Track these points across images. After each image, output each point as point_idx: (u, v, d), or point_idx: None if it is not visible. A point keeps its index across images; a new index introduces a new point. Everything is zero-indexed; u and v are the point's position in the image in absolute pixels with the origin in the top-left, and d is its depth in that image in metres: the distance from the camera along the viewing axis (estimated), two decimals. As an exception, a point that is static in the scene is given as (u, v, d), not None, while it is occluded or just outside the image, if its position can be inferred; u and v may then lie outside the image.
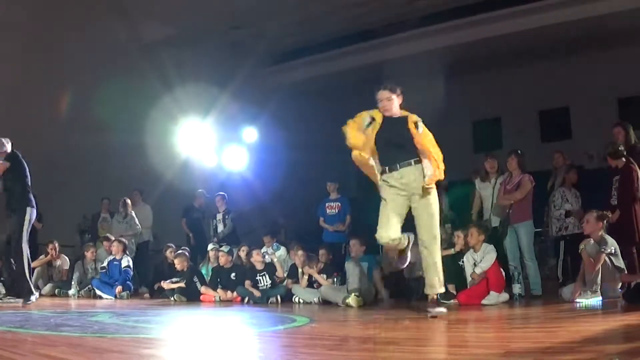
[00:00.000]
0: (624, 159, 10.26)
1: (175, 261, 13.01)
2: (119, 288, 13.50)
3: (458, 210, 12.76)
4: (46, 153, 14.86)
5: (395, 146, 7.48)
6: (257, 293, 11.69)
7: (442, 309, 7.40)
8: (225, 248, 13.39)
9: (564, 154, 12.73)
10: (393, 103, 7.53)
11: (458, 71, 19.63)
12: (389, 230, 7.43)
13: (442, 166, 7.40)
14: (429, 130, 7.50)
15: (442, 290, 7.77)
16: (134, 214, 15.59)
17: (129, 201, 15.62)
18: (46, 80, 15.32)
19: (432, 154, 7.34)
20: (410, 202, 7.52)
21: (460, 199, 12.75)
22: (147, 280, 15.26)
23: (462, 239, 10.30)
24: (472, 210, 11.69)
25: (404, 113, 7.59)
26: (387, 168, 7.54)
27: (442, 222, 9.86)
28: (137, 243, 15.68)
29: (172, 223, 16.58)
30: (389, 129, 7.52)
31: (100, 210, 16.65)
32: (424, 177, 7.33)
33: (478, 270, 9.67)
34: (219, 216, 15.37)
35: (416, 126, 7.37)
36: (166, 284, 12.83)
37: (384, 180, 7.55)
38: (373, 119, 7.53)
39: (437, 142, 7.45)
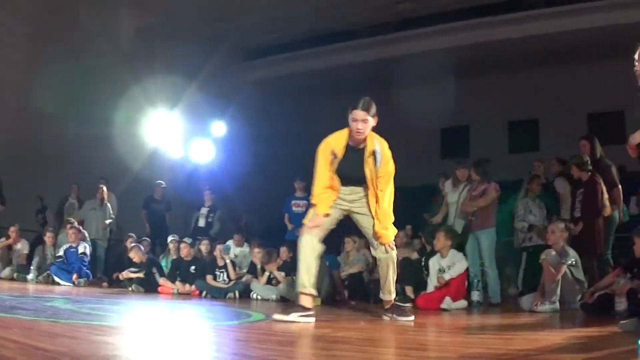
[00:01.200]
0: (589, 173, 10.35)
1: (130, 254, 12.94)
2: (75, 275, 13.41)
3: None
4: (12, 140, 14.78)
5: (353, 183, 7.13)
6: (217, 285, 11.65)
7: (410, 317, 7.28)
8: (187, 240, 13.29)
9: (543, 162, 12.86)
10: (367, 126, 6.87)
11: (429, 78, 19.65)
12: None
13: (388, 227, 7.08)
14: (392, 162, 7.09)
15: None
16: (108, 203, 15.53)
17: (105, 188, 15.51)
18: (12, 68, 15.17)
19: (377, 214, 7.02)
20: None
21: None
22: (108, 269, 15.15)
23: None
24: (437, 215, 11.70)
25: (372, 141, 6.97)
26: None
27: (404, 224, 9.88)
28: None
29: (138, 213, 16.48)
30: (349, 166, 7.01)
31: (68, 194, 16.50)
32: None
33: (447, 277, 9.64)
34: (203, 210, 15.28)
35: (374, 159, 6.91)
36: (125, 274, 12.74)
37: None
38: (335, 156, 6.97)
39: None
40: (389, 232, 7.09)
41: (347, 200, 7.13)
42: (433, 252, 10.27)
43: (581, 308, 8.39)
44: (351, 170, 6.96)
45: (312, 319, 6.67)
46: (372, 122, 6.90)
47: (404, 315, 7.25)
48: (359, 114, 6.80)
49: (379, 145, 6.92)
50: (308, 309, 6.79)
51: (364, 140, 6.93)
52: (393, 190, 7.11)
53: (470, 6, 17.97)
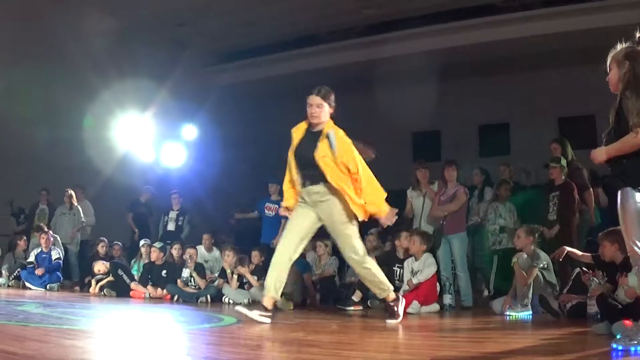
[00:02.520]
0: (563, 177, 10.45)
1: (95, 269, 13.00)
2: (39, 270, 13.47)
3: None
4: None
5: (310, 167, 7.26)
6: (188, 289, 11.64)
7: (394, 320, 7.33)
8: (157, 244, 13.23)
9: (509, 167, 12.94)
10: (323, 111, 7.25)
11: (400, 83, 19.68)
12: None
13: (361, 201, 7.20)
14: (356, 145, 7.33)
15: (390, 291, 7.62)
16: (79, 207, 15.41)
17: (72, 192, 15.39)
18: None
19: (344, 191, 7.14)
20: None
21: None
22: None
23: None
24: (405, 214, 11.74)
25: (328, 127, 7.28)
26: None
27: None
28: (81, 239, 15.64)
29: (110, 217, 16.40)
30: (305, 146, 7.30)
31: (38, 200, 16.36)
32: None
33: (415, 280, 9.66)
34: (172, 214, 15.21)
35: (329, 143, 7.15)
36: (92, 288, 12.69)
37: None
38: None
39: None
40: (382, 207, 7.32)
41: (308, 201, 7.30)
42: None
43: (550, 313, 8.41)
44: (306, 149, 7.22)
45: (269, 320, 6.86)
46: (327, 108, 7.29)
47: (392, 317, 7.38)
48: (314, 99, 7.25)
49: (332, 131, 7.20)
50: (268, 311, 6.98)
51: (321, 125, 7.26)
52: (370, 173, 7.34)
53: (438, 11, 18.01)
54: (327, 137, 7.11)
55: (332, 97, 7.34)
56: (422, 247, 9.92)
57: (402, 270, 10.15)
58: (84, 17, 16.43)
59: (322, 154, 7.06)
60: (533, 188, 13.19)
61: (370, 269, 7.44)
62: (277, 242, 7.51)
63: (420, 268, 9.77)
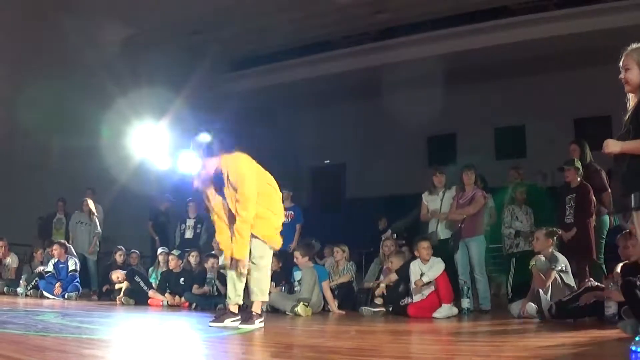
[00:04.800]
0: (579, 179, 10.41)
1: (112, 277, 13.05)
2: (58, 284, 13.49)
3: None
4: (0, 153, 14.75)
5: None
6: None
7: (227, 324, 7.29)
8: (175, 252, 13.26)
9: (518, 170, 12.87)
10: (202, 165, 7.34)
11: (414, 87, 19.65)
12: None
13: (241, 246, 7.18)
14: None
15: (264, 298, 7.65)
16: (97, 219, 15.48)
17: (90, 201, 15.47)
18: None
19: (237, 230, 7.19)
20: None
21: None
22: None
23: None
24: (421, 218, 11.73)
25: (222, 164, 7.32)
26: None
27: None
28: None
29: (126, 225, 16.43)
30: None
31: (55, 210, 16.42)
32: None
33: (425, 279, 9.69)
34: (189, 222, 15.18)
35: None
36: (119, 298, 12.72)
37: None
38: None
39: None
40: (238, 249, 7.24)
41: None
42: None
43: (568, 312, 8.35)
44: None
45: (239, 321, 7.20)
46: (214, 162, 7.28)
47: (248, 322, 7.25)
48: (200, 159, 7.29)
49: (230, 166, 7.26)
50: (236, 314, 7.30)
51: (219, 166, 7.28)
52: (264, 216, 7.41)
53: (453, 14, 17.99)
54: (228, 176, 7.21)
55: (205, 144, 7.38)
56: (430, 251, 10.01)
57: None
58: (100, 26, 16.53)
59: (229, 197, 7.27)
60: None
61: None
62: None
63: (428, 269, 9.79)
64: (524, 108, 20.03)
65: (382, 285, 10.64)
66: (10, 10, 15.03)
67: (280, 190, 13.66)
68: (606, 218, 10.88)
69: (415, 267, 9.99)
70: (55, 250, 14.00)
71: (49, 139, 15.44)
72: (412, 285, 9.88)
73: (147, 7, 16.52)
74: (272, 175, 7.74)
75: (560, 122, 19.35)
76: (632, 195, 4.90)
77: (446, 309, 9.45)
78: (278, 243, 7.65)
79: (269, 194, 7.60)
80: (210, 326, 7.07)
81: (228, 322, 7.20)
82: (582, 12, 16.24)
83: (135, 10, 16.60)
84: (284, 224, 13.56)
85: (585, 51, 17.04)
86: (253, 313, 7.28)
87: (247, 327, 7.05)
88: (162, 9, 16.51)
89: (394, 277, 10.43)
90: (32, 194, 16.12)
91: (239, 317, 7.25)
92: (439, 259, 9.96)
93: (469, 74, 19.51)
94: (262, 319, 7.31)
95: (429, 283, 9.70)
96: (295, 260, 11.16)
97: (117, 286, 12.90)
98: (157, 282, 12.84)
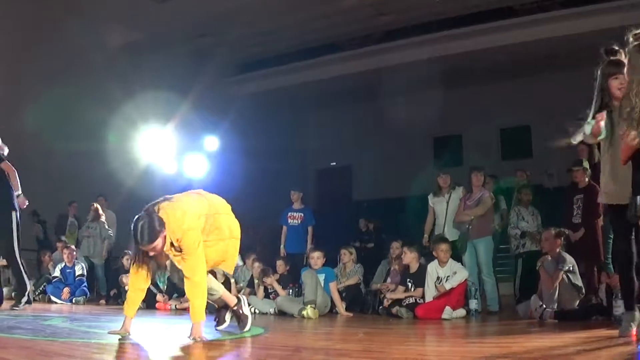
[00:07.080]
0: (587, 179, 10.39)
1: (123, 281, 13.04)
2: (66, 289, 13.53)
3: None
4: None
5: None
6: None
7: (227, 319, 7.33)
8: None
9: (525, 172, 12.86)
10: (157, 248, 6.21)
11: (419, 88, 19.65)
12: None
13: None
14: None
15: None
16: (103, 219, 15.49)
17: (98, 206, 15.48)
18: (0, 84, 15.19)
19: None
20: None
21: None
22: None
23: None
24: (425, 226, 11.68)
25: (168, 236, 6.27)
26: None
27: None
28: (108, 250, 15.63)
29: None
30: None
31: (65, 212, 16.52)
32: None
33: (447, 286, 9.70)
34: None
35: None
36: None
37: None
38: None
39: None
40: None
41: None
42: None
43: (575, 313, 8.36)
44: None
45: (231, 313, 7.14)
46: (160, 242, 6.16)
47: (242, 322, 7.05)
48: (146, 247, 6.18)
49: (173, 230, 6.35)
50: (227, 308, 7.18)
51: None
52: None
53: (458, 15, 17.98)
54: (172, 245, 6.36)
55: (155, 231, 6.21)
56: (448, 253, 9.98)
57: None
58: (106, 30, 16.57)
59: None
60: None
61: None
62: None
63: (448, 274, 9.76)
64: (529, 108, 20.01)
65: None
66: (18, 15, 15.07)
67: (291, 191, 13.69)
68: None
69: (432, 269, 9.97)
70: (65, 252, 14.06)
71: (55, 143, 15.45)
72: (426, 286, 9.87)
73: (153, 10, 16.58)
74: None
75: (565, 122, 19.30)
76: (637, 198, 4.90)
77: (449, 311, 9.44)
78: (229, 267, 7.17)
79: (217, 226, 6.92)
80: (217, 330, 7.06)
81: (227, 316, 7.27)
82: (587, 11, 16.24)
83: (141, 14, 16.65)
84: (291, 227, 13.61)
85: (590, 50, 16.94)
86: (240, 312, 7.07)
87: (247, 327, 7.04)
88: (168, 13, 16.54)
89: (418, 292, 10.23)
90: (39, 198, 16.13)
91: (234, 307, 7.00)
92: (460, 264, 9.97)
93: (474, 74, 19.51)
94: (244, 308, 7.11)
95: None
96: (311, 261, 11.11)
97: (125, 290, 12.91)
98: (165, 286, 12.84)
